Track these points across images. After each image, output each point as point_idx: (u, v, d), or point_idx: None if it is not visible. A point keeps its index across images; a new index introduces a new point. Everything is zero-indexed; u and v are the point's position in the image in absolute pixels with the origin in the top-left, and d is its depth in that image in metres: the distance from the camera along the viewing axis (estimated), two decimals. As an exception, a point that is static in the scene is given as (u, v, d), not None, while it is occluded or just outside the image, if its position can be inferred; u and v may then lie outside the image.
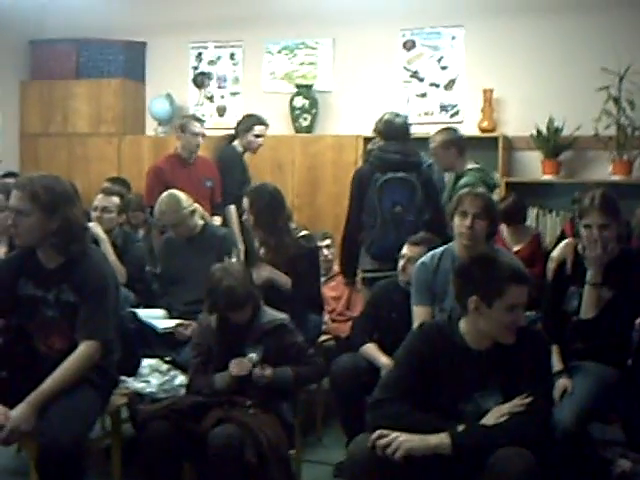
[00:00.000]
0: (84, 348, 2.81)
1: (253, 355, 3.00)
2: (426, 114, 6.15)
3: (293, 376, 3.08)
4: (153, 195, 4.88)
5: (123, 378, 3.23)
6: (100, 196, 4.43)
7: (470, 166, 4.64)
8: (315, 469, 3.65)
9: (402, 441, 2.41)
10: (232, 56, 6.70)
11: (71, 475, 2.63)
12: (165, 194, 4.34)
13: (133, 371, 3.35)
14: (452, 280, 2.74)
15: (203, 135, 5.41)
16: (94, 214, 4.33)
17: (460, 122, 5.94)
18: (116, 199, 4.41)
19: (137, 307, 4.00)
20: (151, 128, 6.85)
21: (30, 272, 2.93)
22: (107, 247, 4.17)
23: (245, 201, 4.11)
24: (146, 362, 3.46)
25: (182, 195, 4.29)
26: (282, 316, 3.20)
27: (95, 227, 4.20)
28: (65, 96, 6.80)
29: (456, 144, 4.68)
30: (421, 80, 6.18)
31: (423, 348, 2.60)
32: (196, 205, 4.33)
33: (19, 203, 2.83)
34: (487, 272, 2.53)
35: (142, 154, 6.63)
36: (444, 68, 6.13)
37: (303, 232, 4.19)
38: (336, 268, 4.94)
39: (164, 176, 5.20)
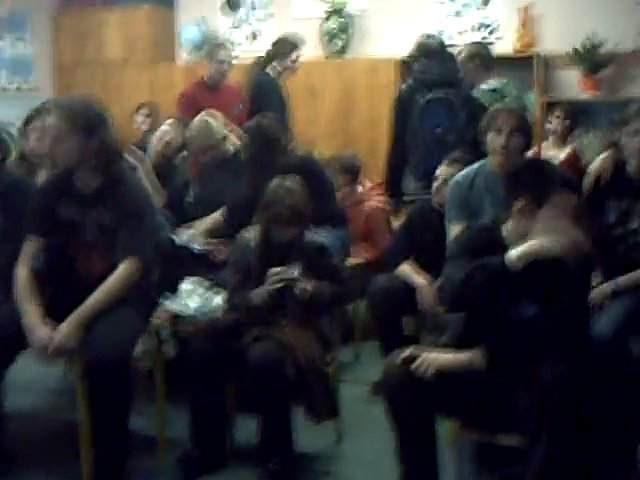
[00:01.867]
0: (124, 266, 2.85)
1: (294, 270, 3.00)
2: (461, 33, 6.02)
3: (330, 294, 3.10)
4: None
5: (161, 301, 3.29)
6: None
7: (485, 86, 4.56)
8: (352, 388, 3.71)
9: (432, 359, 2.44)
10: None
11: (118, 391, 2.70)
12: (196, 119, 4.35)
13: (173, 291, 3.40)
14: (502, 183, 2.69)
15: (230, 62, 5.36)
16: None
17: (497, 40, 5.83)
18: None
19: (175, 228, 4.05)
20: (183, 55, 6.80)
21: (68, 195, 2.96)
22: (145, 171, 4.21)
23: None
24: (184, 285, 3.50)
25: (212, 120, 4.30)
26: (321, 238, 3.21)
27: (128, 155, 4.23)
28: (97, 24, 6.81)
29: (481, 57, 4.60)
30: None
31: (475, 244, 2.58)
32: (226, 131, 4.34)
33: (57, 126, 2.84)
34: (538, 175, 2.51)
35: (174, 81, 6.60)
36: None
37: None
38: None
39: (194, 101, 5.17)
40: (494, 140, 3.18)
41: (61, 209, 2.97)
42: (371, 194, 4.80)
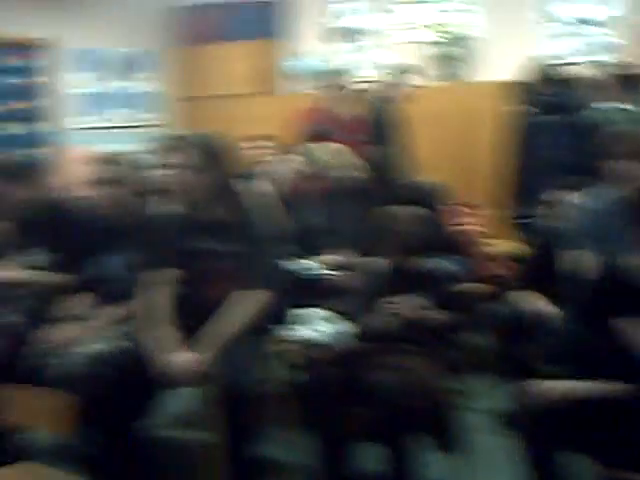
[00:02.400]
0: (254, 295, 2.96)
1: (420, 299, 3.02)
2: (577, 55, 5.92)
3: (456, 322, 3.10)
4: None
5: (290, 327, 3.36)
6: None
7: (612, 106, 4.46)
8: (478, 417, 3.67)
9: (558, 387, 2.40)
10: (376, 7, 6.66)
11: (251, 417, 2.79)
12: (325, 148, 4.44)
13: (297, 318, 3.48)
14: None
15: (345, 90, 5.41)
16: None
17: (617, 59, 5.72)
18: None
19: (295, 257, 4.14)
20: (292, 86, 6.96)
21: (200, 226, 3.09)
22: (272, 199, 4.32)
23: None
24: (311, 311, 3.56)
25: (340, 149, 4.39)
26: (446, 265, 3.22)
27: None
28: (212, 59, 7.05)
29: (612, 76, 4.51)
30: (573, 21, 5.96)
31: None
32: (353, 160, 4.42)
33: (192, 159, 2.99)
34: None
35: (284, 112, 6.77)
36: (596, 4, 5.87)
37: None
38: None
39: (318, 127, 5.25)
40: (631, 168, 3.06)
41: (193, 240, 3.11)
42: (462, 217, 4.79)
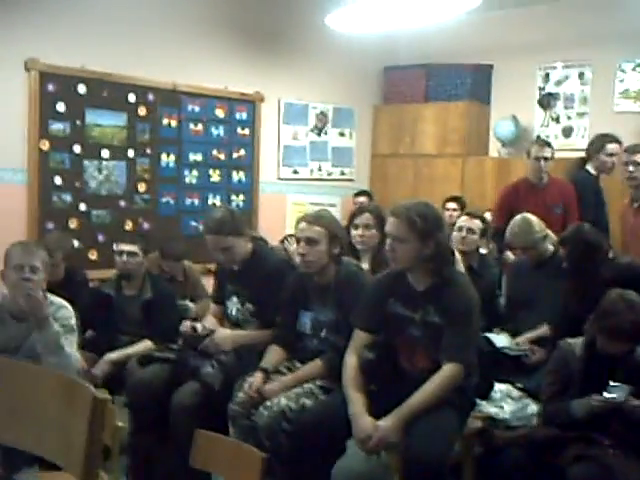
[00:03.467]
0: (448, 370, 2.94)
1: (623, 392, 2.88)
2: None
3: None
4: (499, 216, 5.06)
5: (477, 401, 3.32)
6: (464, 218, 4.55)
7: None
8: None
9: None
10: (581, 75, 6.55)
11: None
12: (518, 217, 4.39)
13: (486, 395, 3.43)
14: None
15: (545, 159, 5.26)
16: (457, 234, 4.45)
17: None
18: (477, 222, 4.51)
19: (485, 330, 4.09)
20: (495, 149, 6.92)
21: (399, 292, 3.12)
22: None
23: None
24: (498, 387, 3.51)
25: (534, 219, 4.32)
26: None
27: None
28: (414, 119, 7.13)
29: None
30: None
31: None
32: (548, 231, 4.33)
33: (397, 230, 3.02)
34: None
35: (485, 175, 6.75)
36: None
37: None
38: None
39: (511, 198, 5.23)
40: None
41: (391, 305, 3.14)
42: None
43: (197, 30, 6.05)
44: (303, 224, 3.38)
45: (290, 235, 6.13)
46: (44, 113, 5.26)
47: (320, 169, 7.05)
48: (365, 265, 4.27)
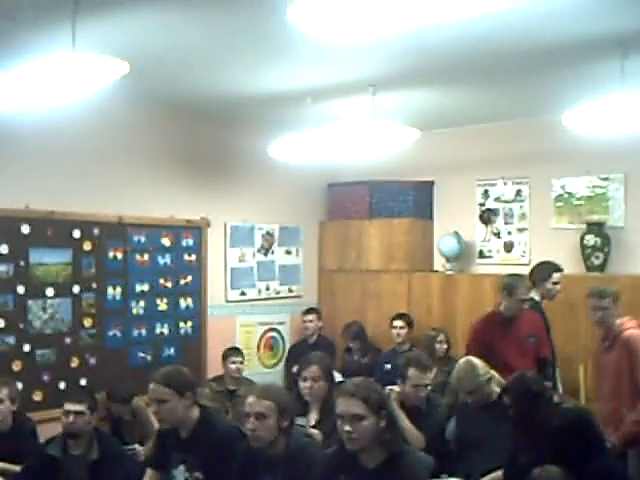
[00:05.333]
0: None
1: None
2: None
3: None
4: (475, 350, 4.97)
5: None
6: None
7: None
8: None
9: None
10: (518, 192, 6.75)
11: None
12: (462, 360, 4.47)
13: None
14: None
15: (531, 299, 5.32)
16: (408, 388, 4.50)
17: None
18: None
19: (437, 475, 4.10)
20: (440, 264, 7.05)
21: (350, 471, 3.11)
22: (402, 417, 4.33)
23: None
24: None
25: (478, 362, 4.39)
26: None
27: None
28: (359, 234, 7.25)
29: None
30: None
31: None
32: (492, 373, 4.40)
33: (353, 408, 3.01)
34: None
35: (431, 290, 6.85)
36: None
37: None
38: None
39: (486, 332, 5.22)
40: None
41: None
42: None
43: (141, 161, 6.11)
44: (251, 398, 3.37)
45: (230, 349, 6.13)
46: (-15, 256, 5.22)
47: (268, 288, 7.08)
48: (314, 415, 4.29)
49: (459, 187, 7.01)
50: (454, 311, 6.65)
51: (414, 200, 7.09)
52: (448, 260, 6.89)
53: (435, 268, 7.12)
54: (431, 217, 7.22)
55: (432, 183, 7.19)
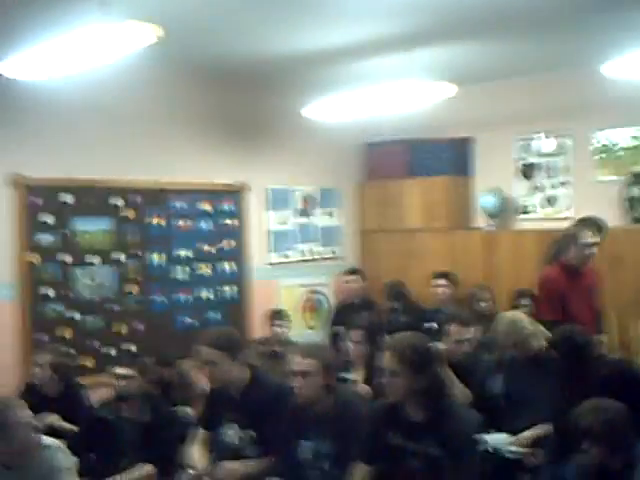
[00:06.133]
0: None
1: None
2: None
3: None
4: (552, 309, 4.88)
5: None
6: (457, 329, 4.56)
7: None
8: None
9: None
10: (560, 146, 6.63)
11: None
12: (507, 314, 4.45)
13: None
14: None
15: (596, 244, 5.08)
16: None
17: None
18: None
19: (484, 430, 4.10)
20: (480, 221, 6.99)
21: (398, 423, 3.14)
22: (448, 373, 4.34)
23: None
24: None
25: (524, 316, 4.37)
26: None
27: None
28: (398, 194, 7.20)
29: None
30: None
31: None
32: (538, 326, 4.38)
33: (389, 363, 3.09)
34: None
35: (472, 247, 6.80)
36: None
37: None
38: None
39: (560, 288, 5.02)
40: None
41: (390, 437, 3.16)
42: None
43: (179, 127, 6.13)
44: (296, 357, 3.40)
45: (275, 311, 6.19)
46: (31, 226, 5.31)
47: (309, 250, 7.09)
48: (359, 374, 4.33)
49: (498, 142, 6.90)
50: (496, 268, 6.59)
51: (452, 157, 7.01)
52: (489, 217, 6.82)
53: (476, 225, 7.05)
54: (470, 174, 7.14)
55: (470, 139, 7.10)
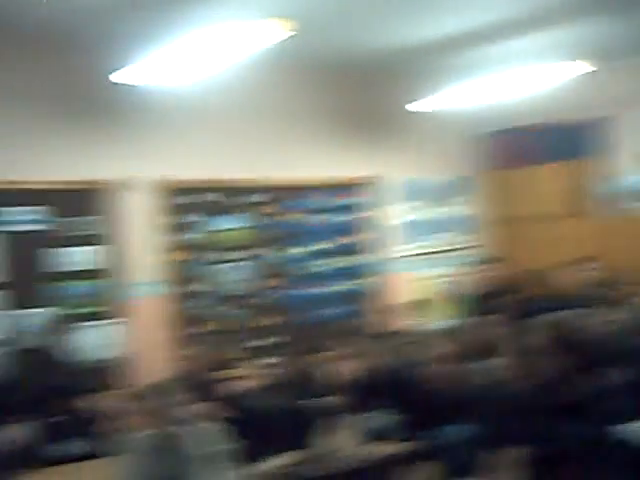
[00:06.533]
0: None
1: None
2: None
3: None
4: None
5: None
6: None
7: None
8: None
9: None
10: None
11: None
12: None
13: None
14: None
15: None
16: None
17: None
18: None
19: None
20: (605, 207, 6.75)
21: (547, 405, 3.10)
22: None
23: None
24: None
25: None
26: None
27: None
28: (531, 180, 7.09)
29: None
30: None
31: None
32: None
33: (539, 344, 3.07)
34: None
35: (613, 232, 6.57)
36: None
37: None
38: None
39: None
40: None
41: (540, 419, 3.12)
42: None
43: (310, 124, 6.31)
44: (436, 343, 3.44)
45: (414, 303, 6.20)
46: (178, 226, 5.58)
47: (443, 241, 7.09)
48: (502, 360, 4.27)
49: (621, 125, 6.62)
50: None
51: (587, 139, 6.80)
52: (612, 202, 6.56)
53: (615, 210, 6.80)
54: (604, 156, 6.89)
55: (605, 120, 6.85)
